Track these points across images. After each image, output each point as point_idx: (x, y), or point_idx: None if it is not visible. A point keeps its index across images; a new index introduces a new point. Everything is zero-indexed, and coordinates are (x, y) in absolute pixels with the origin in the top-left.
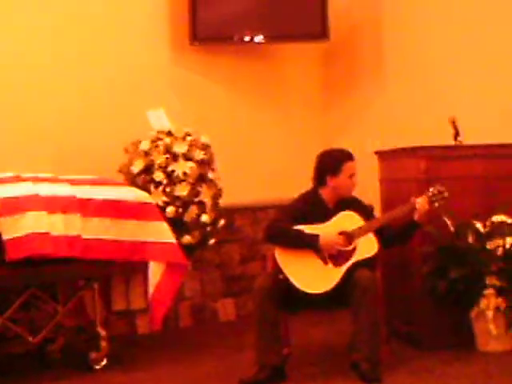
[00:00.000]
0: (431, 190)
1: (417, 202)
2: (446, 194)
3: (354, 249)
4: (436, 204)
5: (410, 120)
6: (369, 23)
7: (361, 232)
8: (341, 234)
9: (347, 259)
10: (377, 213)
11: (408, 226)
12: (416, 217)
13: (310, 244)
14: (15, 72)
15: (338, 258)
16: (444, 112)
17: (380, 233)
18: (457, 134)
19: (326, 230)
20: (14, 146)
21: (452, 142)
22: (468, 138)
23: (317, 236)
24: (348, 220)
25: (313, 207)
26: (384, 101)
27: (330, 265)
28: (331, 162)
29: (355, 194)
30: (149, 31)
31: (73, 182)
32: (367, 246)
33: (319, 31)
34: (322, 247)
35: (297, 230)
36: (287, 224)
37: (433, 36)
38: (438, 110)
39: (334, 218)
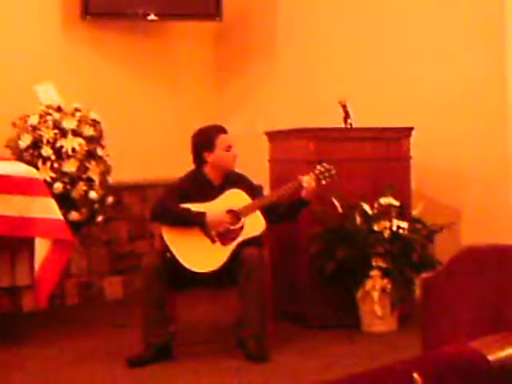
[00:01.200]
0: (318, 167)
1: (303, 180)
2: (333, 172)
3: (242, 227)
4: (323, 181)
5: (300, 101)
6: (261, 3)
7: (248, 210)
8: (228, 212)
9: (235, 237)
10: (266, 193)
11: (295, 204)
12: (303, 194)
13: (196, 222)
14: None
15: (225, 236)
16: (334, 94)
17: (267, 210)
18: (347, 117)
19: (213, 208)
20: None
21: (342, 125)
22: (357, 121)
23: (203, 214)
24: (235, 198)
25: (199, 186)
26: (275, 81)
27: (218, 243)
28: (204, 138)
29: (244, 172)
30: (39, 3)
31: None
32: (254, 224)
33: (212, 10)
34: (209, 225)
35: (183, 208)
36: (173, 202)
37: (325, 17)
38: (329, 92)
39: (221, 196)
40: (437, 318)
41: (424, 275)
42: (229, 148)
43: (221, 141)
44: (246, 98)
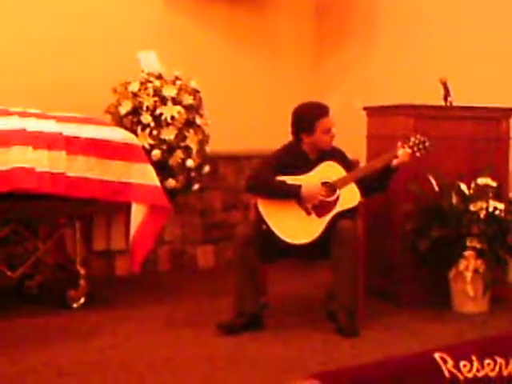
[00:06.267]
0: (412, 139)
1: (399, 153)
2: (427, 144)
3: (337, 199)
4: (417, 154)
5: (400, 78)
6: None
7: (343, 182)
8: (323, 184)
9: (330, 210)
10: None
11: (385, 172)
12: (394, 164)
13: (292, 194)
14: (5, 9)
15: (320, 208)
16: (435, 72)
17: (360, 182)
18: (447, 95)
19: (309, 181)
20: (1, 80)
21: (441, 103)
22: (457, 100)
23: (299, 186)
24: (330, 170)
25: (295, 158)
26: (375, 57)
27: (313, 215)
28: (305, 121)
29: (341, 148)
30: None
31: (60, 119)
32: (349, 196)
33: None
34: (304, 198)
35: (279, 180)
36: (269, 175)
37: None
38: (429, 70)
39: (317, 169)
40: None
41: None
42: (328, 131)
43: (321, 125)
44: (345, 72)
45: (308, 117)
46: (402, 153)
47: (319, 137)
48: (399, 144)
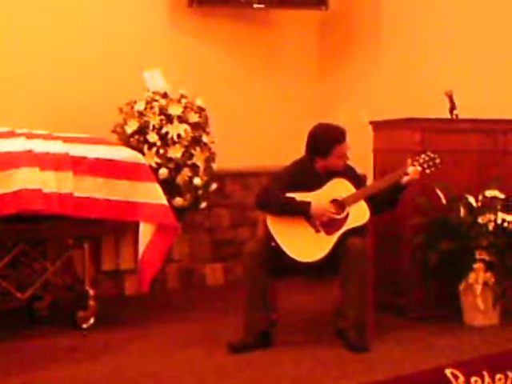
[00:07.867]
0: (423, 156)
1: (409, 170)
2: (437, 160)
3: (346, 217)
4: (427, 170)
5: (405, 91)
6: None
7: (353, 199)
8: (332, 201)
9: (339, 227)
10: (369, 183)
11: (395, 189)
12: (404, 181)
13: (301, 211)
14: (11, 29)
15: (329, 225)
16: (440, 85)
17: (369, 200)
18: (453, 108)
19: (318, 198)
20: (8, 102)
21: (447, 116)
22: (463, 112)
23: (308, 203)
24: (340, 187)
25: (305, 175)
26: (379, 71)
27: (322, 233)
28: (321, 145)
29: (348, 162)
30: None
31: (66, 140)
32: (359, 214)
33: None
34: (313, 215)
35: (288, 197)
36: (279, 191)
37: (431, 8)
38: (434, 83)
39: (326, 186)
40: None
41: None
42: (343, 156)
43: (337, 151)
44: (350, 87)
45: (325, 141)
46: (412, 170)
47: (333, 161)
48: (409, 161)
